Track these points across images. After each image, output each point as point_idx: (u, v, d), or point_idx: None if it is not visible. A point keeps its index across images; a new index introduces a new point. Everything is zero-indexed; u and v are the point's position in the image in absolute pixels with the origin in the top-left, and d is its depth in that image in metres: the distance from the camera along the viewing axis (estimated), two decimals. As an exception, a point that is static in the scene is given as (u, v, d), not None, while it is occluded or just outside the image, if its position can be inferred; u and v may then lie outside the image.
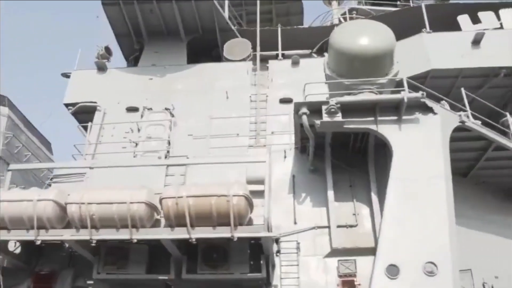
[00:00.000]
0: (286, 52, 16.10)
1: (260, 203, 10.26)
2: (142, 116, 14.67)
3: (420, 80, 13.65)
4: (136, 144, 13.95)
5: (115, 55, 17.15)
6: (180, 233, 9.97)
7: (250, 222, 10.33)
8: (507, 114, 13.22)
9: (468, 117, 11.84)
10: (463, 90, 12.76)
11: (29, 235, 10.45)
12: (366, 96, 11.45)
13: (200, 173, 12.48)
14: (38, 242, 10.47)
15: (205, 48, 16.84)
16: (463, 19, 15.36)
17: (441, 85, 14.11)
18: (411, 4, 18.26)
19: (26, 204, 10.32)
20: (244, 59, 15.81)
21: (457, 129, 11.45)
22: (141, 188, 10.34)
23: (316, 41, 16.50)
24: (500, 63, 14.12)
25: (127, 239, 10.10)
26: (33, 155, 17.70)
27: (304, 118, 11.13)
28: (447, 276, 9.40)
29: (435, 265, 9.45)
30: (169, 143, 13.83)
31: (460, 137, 11.71)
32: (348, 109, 11.13)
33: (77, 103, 15.28)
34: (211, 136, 13.41)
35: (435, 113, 11.19)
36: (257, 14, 16.68)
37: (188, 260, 10.72)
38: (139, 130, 14.26)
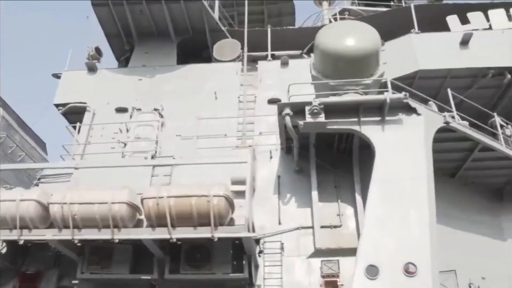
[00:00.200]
0: (277, 53, 16.06)
1: (244, 203, 10.30)
2: (131, 116, 14.68)
3: (408, 81, 13.73)
4: (125, 145, 13.96)
5: (107, 55, 17.25)
6: (161, 233, 10.02)
7: (232, 223, 10.39)
8: (495, 114, 13.22)
9: (453, 117, 11.83)
10: (449, 91, 12.75)
11: (12, 235, 10.51)
12: (349, 96, 11.45)
13: (186, 173, 12.54)
14: (21, 242, 10.53)
15: (195, 49, 16.81)
16: (452, 20, 15.31)
17: (429, 85, 14.15)
18: (404, 5, 18.22)
19: (9, 204, 10.39)
20: (234, 60, 15.78)
21: (442, 130, 11.42)
22: (123, 189, 10.39)
23: (307, 41, 16.33)
24: (489, 63, 14.11)
25: (109, 239, 10.15)
26: (27, 155, 17.68)
27: (288, 119, 11.15)
28: (427, 277, 9.36)
29: (414, 265, 9.41)
30: (157, 143, 13.86)
31: (446, 137, 11.70)
32: (332, 110, 11.12)
33: (67, 104, 15.35)
34: (199, 137, 13.39)
35: (418, 114, 11.14)
36: (245, 14, 16.64)
37: (172, 261, 10.73)
38: (128, 130, 14.28)
